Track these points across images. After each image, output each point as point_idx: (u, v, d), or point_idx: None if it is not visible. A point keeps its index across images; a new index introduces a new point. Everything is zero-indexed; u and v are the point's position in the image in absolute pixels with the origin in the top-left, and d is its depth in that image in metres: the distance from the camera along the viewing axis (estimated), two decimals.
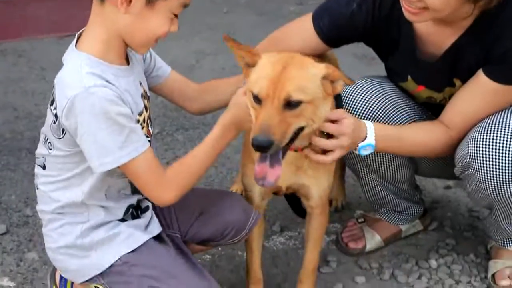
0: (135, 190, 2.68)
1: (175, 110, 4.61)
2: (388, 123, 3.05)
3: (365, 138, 2.73)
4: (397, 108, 3.08)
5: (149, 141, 2.58)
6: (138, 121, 2.53)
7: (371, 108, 3.04)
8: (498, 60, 2.79)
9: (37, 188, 2.70)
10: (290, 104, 2.41)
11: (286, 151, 2.52)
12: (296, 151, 2.65)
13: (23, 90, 5.07)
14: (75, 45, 2.49)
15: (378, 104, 3.05)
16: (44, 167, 2.62)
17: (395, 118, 3.06)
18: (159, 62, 2.85)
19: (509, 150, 2.79)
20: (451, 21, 2.79)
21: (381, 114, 3.04)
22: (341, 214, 3.73)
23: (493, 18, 2.74)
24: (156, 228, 2.74)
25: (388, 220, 3.49)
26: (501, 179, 2.82)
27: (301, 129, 2.49)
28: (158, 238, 2.73)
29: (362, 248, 3.44)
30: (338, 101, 2.76)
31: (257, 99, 2.46)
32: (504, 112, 2.87)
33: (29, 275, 3.17)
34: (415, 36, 2.94)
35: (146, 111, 2.62)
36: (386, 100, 3.07)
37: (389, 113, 3.05)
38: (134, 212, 2.71)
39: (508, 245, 3.23)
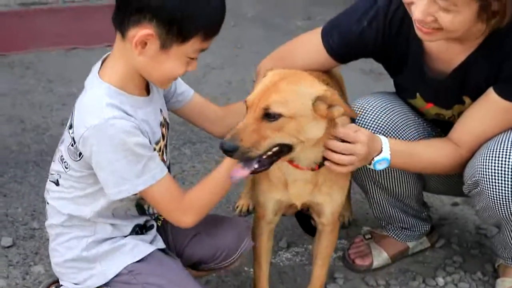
0: (142, 212, 2.73)
1: (183, 124, 4.60)
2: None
3: (380, 152, 2.72)
4: (406, 125, 3.07)
5: (168, 167, 2.60)
6: (154, 149, 2.55)
7: (380, 125, 3.03)
8: (509, 79, 2.78)
9: (47, 203, 2.73)
10: (269, 116, 2.39)
11: (270, 163, 2.46)
12: (313, 170, 2.63)
13: (30, 103, 5.07)
14: (99, 71, 2.53)
15: (387, 120, 3.04)
16: (57, 184, 2.65)
17: (404, 135, 3.05)
18: (180, 88, 2.85)
19: None
20: (461, 39, 2.79)
21: (390, 131, 3.03)
22: (348, 230, 3.72)
23: (504, 37, 2.74)
24: (161, 243, 2.79)
25: (395, 237, 3.48)
26: (509, 198, 2.81)
27: (289, 147, 2.45)
28: (164, 252, 2.76)
29: (369, 265, 3.42)
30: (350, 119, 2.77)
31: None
32: None
33: None
34: (424, 53, 2.94)
35: (163, 139, 2.65)
36: (395, 117, 3.07)
37: (398, 129, 3.04)
38: (139, 231, 2.75)
39: None
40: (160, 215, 2.81)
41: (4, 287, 3.16)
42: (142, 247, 2.69)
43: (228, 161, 2.57)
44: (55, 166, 2.66)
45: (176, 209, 2.57)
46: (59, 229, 2.68)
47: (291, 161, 2.59)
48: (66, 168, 2.59)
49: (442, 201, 4.01)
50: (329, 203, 2.79)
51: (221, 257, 2.86)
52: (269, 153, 2.42)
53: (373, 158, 2.71)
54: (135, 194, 2.54)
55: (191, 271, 2.91)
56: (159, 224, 2.84)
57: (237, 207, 3.79)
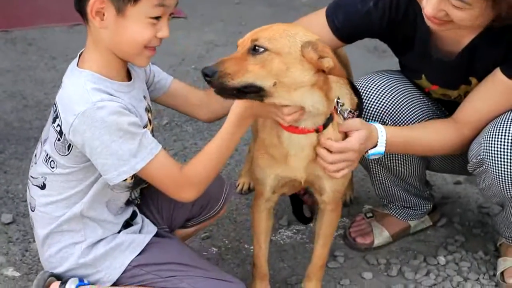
0: (127, 202, 2.72)
1: None
2: (401, 120, 3.03)
3: (375, 145, 2.71)
4: (410, 104, 3.06)
5: None
6: None
7: (384, 104, 3.02)
8: None
9: (33, 211, 2.68)
10: (255, 49, 2.36)
11: (238, 96, 2.42)
12: (317, 131, 2.56)
13: (33, 79, 5.06)
14: (77, 64, 2.51)
15: (392, 99, 3.03)
16: (43, 187, 2.62)
17: (408, 115, 3.04)
18: (158, 76, 2.83)
19: None
20: None
21: (394, 110, 3.02)
22: (349, 208, 3.70)
23: None
24: (151, 227, 2.78)
25: (397, 215, 3.46)
26: None
27: (261, 91, 2.39)
28: (158, 234, 2.76)
29: (370, 243, 3.41)
30: (359, 100, 2.76)
31: None
32: None
33: (35, 266, 3.15)
34: (431, 36, 2.91)
35: (150, 124, 2.63)
36: (400, 96, 3.05)
37: (403, 109, 3.03)
38: (127, 224, 2.75)
39: None
40: (139, 196, 2.82)
41: (3, 264, 3.16)
42: (138, 239, 2.68)
43: (224, 132, 2.55)
44: (39, 169, 2.62)
45: (175, 185, 2.54)
46: (49, 239, 2.65)
47: (294, 128, 2.54)
48: (53, 167, 2.55)
49: (445, 180, 3.99)
50: (330, 178, 2.71)
51: (208, 207, 2.91)
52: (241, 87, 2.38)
53: (367, 151, 2.71)
54: (132, 178, 2.52)
55: (183, 232, 2.99)
56: (138, 202, 2.83)
57: (237, 185, 3.78)
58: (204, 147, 2.60)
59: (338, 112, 2.59)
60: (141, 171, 2.46)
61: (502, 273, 3.20)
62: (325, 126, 2.56)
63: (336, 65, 2.41)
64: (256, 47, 2.36)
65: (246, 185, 3.76)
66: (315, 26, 3.05)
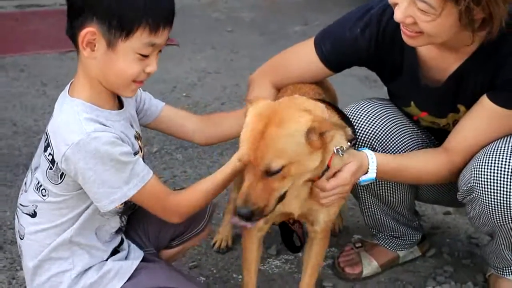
0: (118, 230, 2.72)
1: None
2: (391, 147, 3.03)
3: (366, 172, 2.71)
4: (400, 131, 3.06)
5: None
6: None
7: (374, 132, 3.02)
8: (503, 85, 2.77)
9: (22, 239, 2.64)
10: (271, 172, 2.36)
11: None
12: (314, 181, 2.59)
13: (23, 105, 5.07)
14: (68, 92, 2.51)
15: (382, 127, 3.03)
16: (33, 215, 2.59)
17: (398, 143, 3.04)
18: (148, 103, 2.83)
19: None
20: (454, 47, 2.77)
21: (384, 138, 3.02)
22: (338, 238, 3.69)
23: (497, 44, 2.71)
24: (138, 252, 2.78)
25: (385, 245, 3.45)
26: (505, 204, 2.78)
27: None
28: (144, 259, 2.76)
29: (358, 273, 3.40)
30: (351, 128, 2.74)
31: None
32: (510, 137, 2.85)
33: None
34: (419, 62, 2.93)
35: (141, 151, 2.64)
36: (390, 124, 3.05)
37: (393, 137, 3.03)
38: (115, 251, 2.73)
39: (508, 274, 3.18)
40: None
41: None
42: (125, 266, 2.67)
43: (220, 177, 2.59)
44: (30, 197, 2.59)
45: (163, 211, 2.57)
46: (38, 267, 2.61)
47: None
48: (44, 196, 2.53)
49: (434, 210, 3.98)
50: (325, 210, 2.74)
51: (193, 225, 2.92)
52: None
53: (358, 179, 2.72)
54: (122, 204, 2.52)
55: (168, 253, 2.98)
56: (123, 229, 2.81)
57: (214, 243, 3.57)
58: (202, 183, 2.62)
59: (338, 154, 2.57)
60: (132, 197, 2.47)
61: None
62: (322, 174, 2.58)
63: (336, 128, 2.44)
64: (273, 172, 2.36)
65: (224, 242, 3.57)
66: (303, 55, 3.07)
